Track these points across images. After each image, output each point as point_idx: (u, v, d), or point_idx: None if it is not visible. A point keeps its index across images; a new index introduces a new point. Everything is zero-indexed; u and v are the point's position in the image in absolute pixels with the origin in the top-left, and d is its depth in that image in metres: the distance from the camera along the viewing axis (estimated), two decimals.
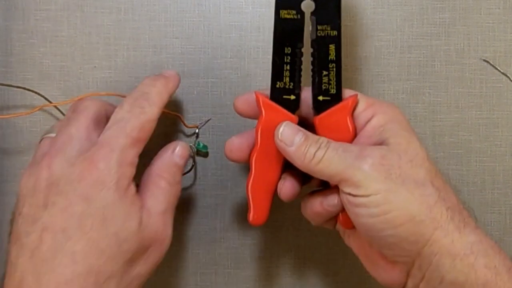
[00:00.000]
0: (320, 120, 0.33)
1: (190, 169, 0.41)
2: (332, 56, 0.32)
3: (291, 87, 0.33)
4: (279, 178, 0.34)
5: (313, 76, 0.33)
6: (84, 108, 0.33)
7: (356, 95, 0.33)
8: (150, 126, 0.32)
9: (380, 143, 0.31)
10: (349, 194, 0.30)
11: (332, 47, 0.32)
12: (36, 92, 0.41)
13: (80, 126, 0.31)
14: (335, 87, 0.32)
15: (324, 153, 0.30)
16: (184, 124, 0.41)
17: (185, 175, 0.41)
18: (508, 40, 0.43)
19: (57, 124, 0.36)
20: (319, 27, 0.32)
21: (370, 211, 0.29)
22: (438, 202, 0.29)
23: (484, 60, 0.43)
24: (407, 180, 0.29)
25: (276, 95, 0.34)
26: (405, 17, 0.43)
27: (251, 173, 0.34)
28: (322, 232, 0.43)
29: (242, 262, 0.43)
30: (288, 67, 0.33)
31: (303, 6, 0.32)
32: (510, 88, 0.43)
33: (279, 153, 0.33)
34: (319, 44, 0.32)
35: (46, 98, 0.42)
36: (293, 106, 0.34)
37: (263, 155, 0.34)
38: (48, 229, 0.28)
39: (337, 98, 0.32)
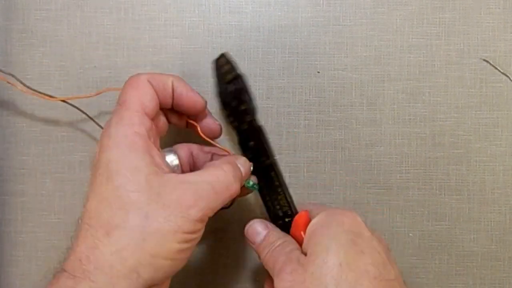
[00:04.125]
0: (291, 234, 0.35)
1: (230, 205, 0.39)
2: (276, 182, 0.36)
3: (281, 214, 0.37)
4: None
5: (270, 203, 0.37)
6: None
7: (305, 212, 0.35)
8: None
9: (307, 247, 0.32)
10: None
11: (273, 174, 0.36)
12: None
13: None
14: (288, 206, 0.36)
15: (265, 255, 0.34)
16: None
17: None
18: (508, 40, 0.43)
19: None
20: (261, 159, 0.36)
21: None
22: None
23: (484, 60, 0.43)
24: None
25: (274, 221, 0.38)
26: (405, 17, 0.43)
27: None
28: None
29: (242, 262, 0.43)
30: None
31: (250, 143, 0.37)
32: (510, 88, 0.43)
33: None
34: (265, 174, 0.36)
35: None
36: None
37: None
38: None
39: (294, 215, 0.36)
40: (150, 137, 0.32)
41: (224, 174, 0.32)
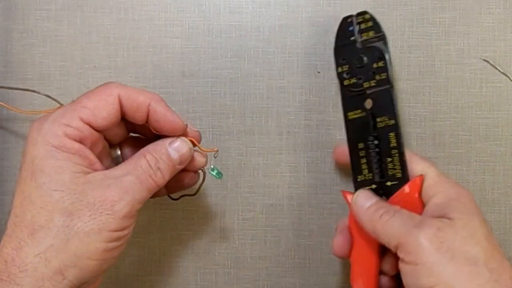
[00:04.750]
0: (392, 202, 0.34)
1: (195, 193, 0.39)
2: (393, 143, 0.35)
3: (370, 177, 0.36)
4: (378, 268, 0.35)
5: (379, 164, 0.36)
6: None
7: (422, 177, 0.34)
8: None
9: (441, 217, 0.31)
10: (402, 259, 0.31)
11: (392, 135, 0.35)
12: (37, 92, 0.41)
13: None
14: (400, 170, 0.35)
15: (390, 217, 0.32)
16: (200, 149, 0.35)
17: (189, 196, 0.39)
18: (508, 40, 0.43)
19: None
20: (378, 120, 0.35)
21: (417, 279, 0.30)
22: (487, 284, 0.29)
23: (484, 60, 0.43)
24: (458, 256, 0.29)
25: (359, 187, 0.36)
26: (405, 17, 0.43)
27: (352, 268, 0.36)
28: (322, 232, 0.43)
29: (242, 262, 0.43)
30: (364, 161, 0.36)
31: (366, 103, 0.36)
32: (510, 88, 0.43)
33: (374, 245, 0.35)
34: (380, 135, 0.35)
35: (56, 100, 0.42)
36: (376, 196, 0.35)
37: (360, 249, 0.35)
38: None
39: (403, 180, 0.35)
40: (86, 143, 0.31)
41: (146, 163, 0.31)
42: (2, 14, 0.43)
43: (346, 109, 0.37)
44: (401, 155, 0.35)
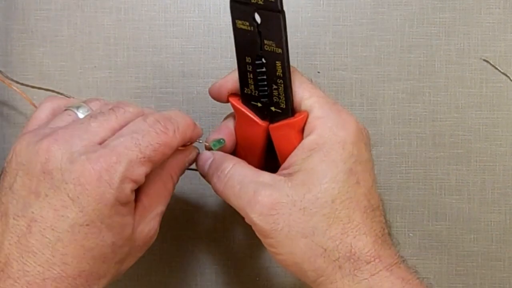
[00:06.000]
0: (273, 129, 0.33)
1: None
2: (279, 72, 0.31)
3: (256, 95, 0.33)
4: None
5: (266, 86, 0.32)
6: (127, 111, 0.30)
7: (306, 115, 0.31)
8: (166, 151, 0.29)
9: (297, 170, 0.30)
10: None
11: (278, 64, 0.31)
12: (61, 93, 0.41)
13: (106, 126, 0.29)
14: (284, 102, 0.32)
15: (223, 187, 0.32)
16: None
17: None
18: (508, 40, 0.43)
19: (95, 104, 0.32)
20: (265, 42, 0.31)
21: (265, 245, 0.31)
22: (325, 253, 0.29)
23: (484, 60, 0.43)
24: (294, 230, 0.29)
25: (246, 99, 0.33)
26: (405, 17, 0.43)
27: None
28: None
29: (242, 262, 0.43)
30: (251, 76, 0.32)
31: (257, 17, 0.31)
32: (510, 88, 0.43)
33: (255, 148, 0.34)
34: (267, 58, 0.31)
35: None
36: (260, 113, 0.33)
37: (241, 153, 0.35)
38: (37, 222, 0.26)
39: (287, 112, 0.32)
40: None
41: (173, 187, 0.33)
42: (2, 14, 0.43)
43: (234, 15, 0.31)
44: (286, 87, 0.31)
